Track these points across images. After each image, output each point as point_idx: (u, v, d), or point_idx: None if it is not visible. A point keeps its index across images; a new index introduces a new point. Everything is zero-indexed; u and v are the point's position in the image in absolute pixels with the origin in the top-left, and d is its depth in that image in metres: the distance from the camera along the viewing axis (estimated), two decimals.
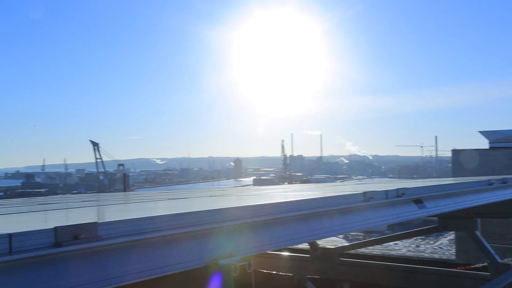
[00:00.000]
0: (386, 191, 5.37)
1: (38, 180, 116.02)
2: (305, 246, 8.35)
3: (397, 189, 5.53)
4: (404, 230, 9.93)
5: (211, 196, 7.23)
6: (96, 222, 3.01)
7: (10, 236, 2.65)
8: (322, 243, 8.61)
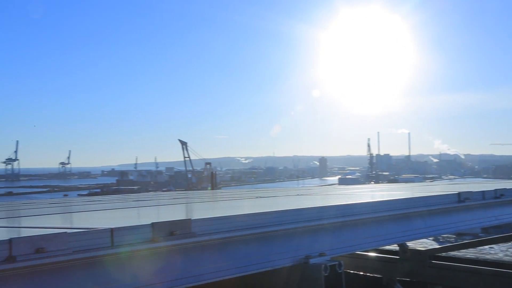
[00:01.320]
0: (483, 192, 5.11)
1: (131, 177, 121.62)
2: (393, 247, 8.14)
3: (495, 189, 5.24)
4: (500, 233, 9.39)
5: (298, 194, 7.23)
6: (190, 219, 3.11)
7: (112, 230, 2.81)
8: (411, 244, 8.34)
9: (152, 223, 2.95)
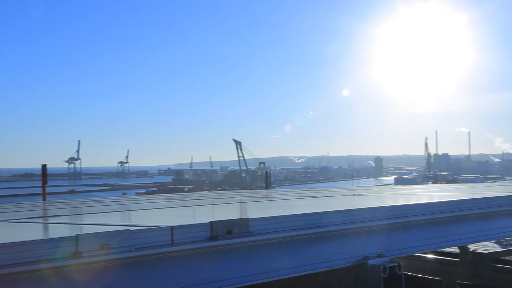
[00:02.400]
0: None
1: (186, 176, 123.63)
2: (453, 249, 7.90)
3: None
4: None
5: (354, 194, 7.15)
6: (247, 218, 3.14)
7: (172, 228, 2.87)
8: (473, 247, 8.07)
9: (211, 222, 3.00)
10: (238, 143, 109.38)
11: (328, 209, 3.81)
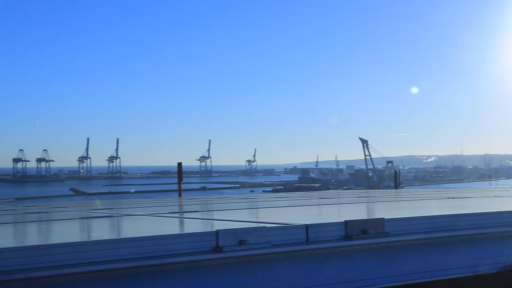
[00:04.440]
0: None
1: (312, 175, 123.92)
2: None
3: None
4: None
5: (495, 196, 6.67)
6: (383, 218, 3.06)
7: (306, 226, 2.89)
8: None
9: (345, 221, 2.97)
10: (364, 142, 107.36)
11: (469, 211, 3.59)
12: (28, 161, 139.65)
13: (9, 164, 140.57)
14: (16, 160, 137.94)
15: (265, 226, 2.75)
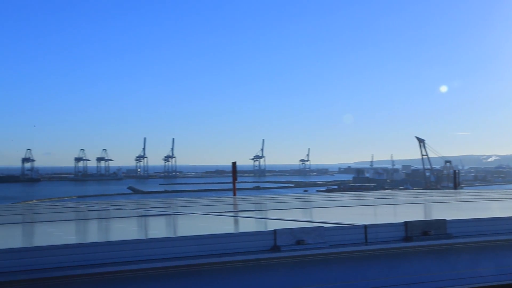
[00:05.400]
0: None
1: (367, 175, 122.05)
2: None
3: None
4: None
5: None
6: (445, 219, 2.97)
7: (365, 227, 2.84)
8: None
9: (405, 222, 2.90)
10: (421, 141, 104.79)
11: None
12: (88, 160, 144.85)
13: (71, 163, 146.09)
14: (77, 159, 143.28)
15: (322, 226, 2.73)
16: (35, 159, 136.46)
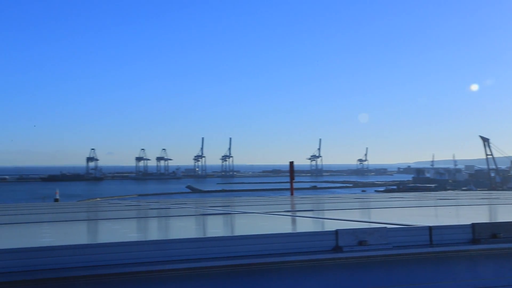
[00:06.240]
0: None
1: (427, 175, 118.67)
2: None
3: None
4: None
5: None
6: None
7: (430, 228, 2.75)
8: None
9: (473, 224, 2.79)
10: (485, 140, 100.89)
11: None
12: (149, 159, 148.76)
13: (132, 163, 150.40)
14: (138, 159, 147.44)
15: (385, 227, 2.66)
16: (98, 159, 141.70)
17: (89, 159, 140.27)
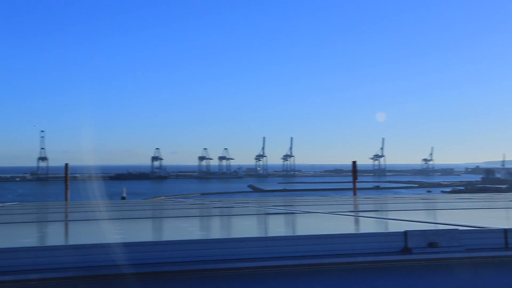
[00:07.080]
0: None
1: (498, 175, 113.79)
2: None
3: None
4: None
5: None
6: None
7: (505, 231, 2.63)
8: None
9: None
10: None
11: None
12: (211, 159, 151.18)
13: (195, 162, 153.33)
14: (201, 158, 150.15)
15: (457, 229, 2.56)
16: (163, 158, 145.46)
17: (154, 158, 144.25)
